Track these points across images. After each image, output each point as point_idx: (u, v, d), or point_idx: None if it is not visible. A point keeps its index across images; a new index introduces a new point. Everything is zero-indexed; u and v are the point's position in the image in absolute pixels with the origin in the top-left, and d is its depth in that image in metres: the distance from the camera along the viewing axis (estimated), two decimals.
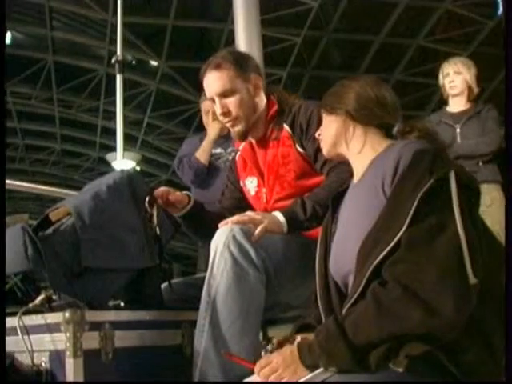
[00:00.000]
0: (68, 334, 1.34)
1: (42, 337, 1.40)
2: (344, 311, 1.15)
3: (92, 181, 1.82)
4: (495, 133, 3.02)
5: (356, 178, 1.35)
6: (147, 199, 1.66)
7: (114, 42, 6.81)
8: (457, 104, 3.21)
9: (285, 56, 8.50)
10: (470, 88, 3.18)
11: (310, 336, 1.19)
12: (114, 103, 4.55)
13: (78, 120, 11.06)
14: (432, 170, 1.11)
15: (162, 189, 1.75)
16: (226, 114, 1.76)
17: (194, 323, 1.51)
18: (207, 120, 3.09)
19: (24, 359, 1.39)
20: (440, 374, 1.04)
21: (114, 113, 4.24)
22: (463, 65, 3.19)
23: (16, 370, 1.35)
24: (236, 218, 1.54)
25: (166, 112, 10.56)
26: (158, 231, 1.65)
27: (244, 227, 1.51)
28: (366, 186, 1.26)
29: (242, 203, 1.93)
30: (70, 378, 1.33)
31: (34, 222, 1.55)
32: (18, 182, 4.25)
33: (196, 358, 1.46)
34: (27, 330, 1.39)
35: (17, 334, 1.39)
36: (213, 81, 1.74)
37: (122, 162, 4.11)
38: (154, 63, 9.36)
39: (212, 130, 3.03)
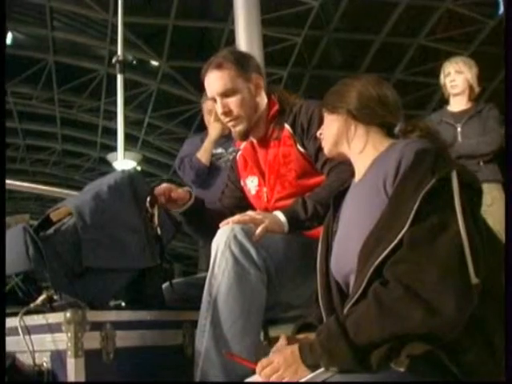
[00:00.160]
0: (69, 334, 1.34)
1: (43, 337, 1.40)
2: (345, 311, 1.15)
3: (93, 181, 1.82)
4: (496, 132, 3.01)
5: (357, 178, 1.34)
6: (148, 199, 1.66)
7: (114, 42, 6.78)
8: (458, 103, 3.20)
9: (285, 56, 8.49)
10: (471, 87, 3.18)
11: (311, 336, 1.19)
12: (114, 103, 4.55)
13: (79, 120, 11.07)
14: (434, 170, 1.10)
15: (164, 186, 1.75)
16: (228, 113, 1.76)
17: (195, 323, 1.50)
18: (209, 119, 3.09)
19: (25, 359, 1.39)
20: (441, 374, 1.04)
21: (115, 113, 4.24)
22: (464, 64, 3.18)
23: (17, 370, 1.35)
24: (237, 217, 1.54)
25: (166, 112, 10.56)
26: (158, 231, 1.65)
27: (245, 227, 1.51)
28: (367, 185, 1.26)
29: (242, 202, 1.93)
30: (71, 378, 1.33)
31: (35, 222, 1.55)
32: (18, 183, 4.26)
33: (197, 357, 1.46)
34: (28, 330, 1.39)
35: (18, 334, 1.39)
36: (214, 80, 1.74)
37: (123, 162, 4.11)
38: (154, 63, 9.36)
39: (213, 130, 3.04)
